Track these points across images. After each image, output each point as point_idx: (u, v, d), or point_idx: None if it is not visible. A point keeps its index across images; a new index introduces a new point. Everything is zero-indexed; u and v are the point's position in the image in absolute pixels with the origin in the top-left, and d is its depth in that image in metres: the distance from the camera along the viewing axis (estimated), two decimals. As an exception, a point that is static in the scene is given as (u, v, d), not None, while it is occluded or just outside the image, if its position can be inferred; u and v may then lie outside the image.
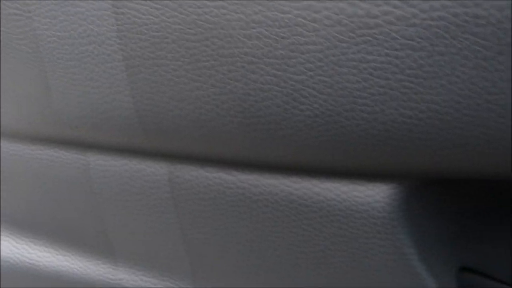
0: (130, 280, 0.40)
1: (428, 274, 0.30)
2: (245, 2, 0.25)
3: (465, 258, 0.32)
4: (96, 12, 0.29)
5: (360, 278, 0.31)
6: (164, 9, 0.27)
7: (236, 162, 0.31)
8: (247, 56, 0.26)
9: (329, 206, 0.30)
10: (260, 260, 0.34)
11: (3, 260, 0.45)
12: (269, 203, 0.31)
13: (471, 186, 0.30)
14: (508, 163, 0.24)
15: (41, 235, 0.43)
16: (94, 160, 0.37)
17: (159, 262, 0.38)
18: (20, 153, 0.40)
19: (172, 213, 0.35)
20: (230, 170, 0.32)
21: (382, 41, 0.23)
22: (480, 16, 0.21)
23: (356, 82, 0.24)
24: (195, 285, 0.37)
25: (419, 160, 0.26)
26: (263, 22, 0.25)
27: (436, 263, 0.30)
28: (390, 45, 0.23)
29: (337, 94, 0.25)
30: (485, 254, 0.32)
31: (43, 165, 0.40)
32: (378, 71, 0.24)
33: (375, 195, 0.29)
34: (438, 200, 0.30)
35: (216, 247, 0.35)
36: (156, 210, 0.36)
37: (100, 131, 0.34)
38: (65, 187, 0.39)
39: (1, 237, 0.45)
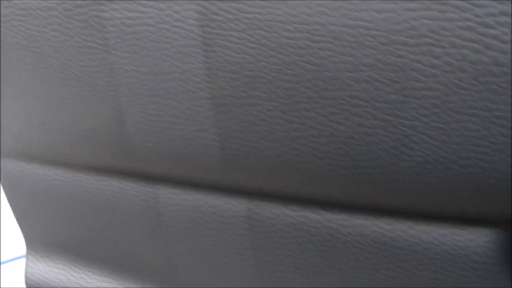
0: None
1: None
2: (354, 44, 0.24)
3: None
4: (183, 49, 0.28)
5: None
6: (261, 48, 0.26)
7: (325, 201, 0.30)
8: (353, 99, 0.25)
9: (425, 249, 0.29)
10: None
11: (59, 288, 0.44)
12: (358, 244, 0.30)
13: None
14: None
15: (100, 265, 0.42)
16: (164, 193, 0.36)
17: None
18: (82, 183, 0.39)
19: (248, 250, 0.34)
20: (316, 209, 0.31)
21: (508, 90, 0.22)
22: None
23: (475, 131, 0.23)
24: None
25: None
26: (374, 66, 0.24)
27: None
28: None
29: (453, 142, 0.24)
30: None
31: (107, 196, 0.38)
32: (502, 120, 0.23)
33: (477, 239, 0.27)
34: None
35: (295, 285, 0.34)
36: (230, 247, 0.35)
37: (176, 166, 0.33)
38: (130, 219, 0.38)
39: (57, 265, 0.44)
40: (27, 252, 0.46)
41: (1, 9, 0.33)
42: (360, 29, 0.23)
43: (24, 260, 1.28)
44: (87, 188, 0.39)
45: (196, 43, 0.28)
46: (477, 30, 0.22)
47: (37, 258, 0.45)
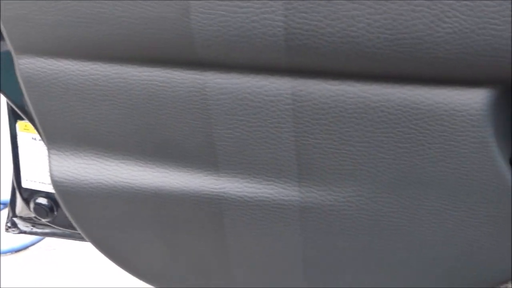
0: (234, 188, 0.45)
1: (501, 157, 0.40)
2: None
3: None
4: None
5: (451, 163, 0.40)
6: None
7: (362, 75, 0.38)
8: None
9: (437, 108, 0.38)
10: (367, 159, 0.41)
11: (90, 182, 0.47)
12: (385, 108, 0.39)
13: None
14: None
15: (134, 156, 0.46)
16: (212, 79, 0.41)
17: (265, 168, 0.43)
18: (124, 75, 0.42)
19: (289, 123, 0.41)
20: (352, 82, 0.38)
21: None
22: None
23: (492, 6, 0.32)
24: (300, 186, 0.44)
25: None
26: None
27: (504, 150, 0.41)
28: None
29: (475, 15, 0.33)
30: None
31: (149, 86, 0.42)
32: None
33: (475, 97, 0.37)
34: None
35: (327, 150, 0.41)
36: (273, 120, 0.41)
37: (235, 49, 0.38)
38: (174, 107, 0.42)
39: (87, 160, 0.47)
40: (50, 153, 0.47)
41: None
42: None
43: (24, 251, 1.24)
44: (128, 80, 0.42)
45: None
46: None
47: (62, 156, 0.47)
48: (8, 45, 0.44)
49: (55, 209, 0.63)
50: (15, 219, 0.68)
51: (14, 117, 0.61)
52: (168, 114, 0.43)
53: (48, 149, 0.48)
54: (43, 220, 0.65)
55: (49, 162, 0.48)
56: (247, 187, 0.45)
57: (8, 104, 0.58)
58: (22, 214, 0.68)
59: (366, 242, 0.45)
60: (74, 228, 0.54)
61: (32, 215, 0.65)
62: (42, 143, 0.60)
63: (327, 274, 0.47)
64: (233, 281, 0.49)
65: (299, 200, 0.44)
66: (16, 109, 0.54)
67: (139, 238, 0.49)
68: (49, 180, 0.50)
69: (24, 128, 0.62)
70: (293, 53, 0.37)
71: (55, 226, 0.65)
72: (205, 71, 0.41)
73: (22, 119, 0.59)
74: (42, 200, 0.62)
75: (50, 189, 0.62)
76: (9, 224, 0.68)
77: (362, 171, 0.42)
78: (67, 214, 0.50)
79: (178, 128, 0.44)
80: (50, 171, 0.49)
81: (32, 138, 0.62)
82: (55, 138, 0.47)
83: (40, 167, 0.62)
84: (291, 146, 0.42)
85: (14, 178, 0.64)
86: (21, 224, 0.68)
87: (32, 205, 0.64)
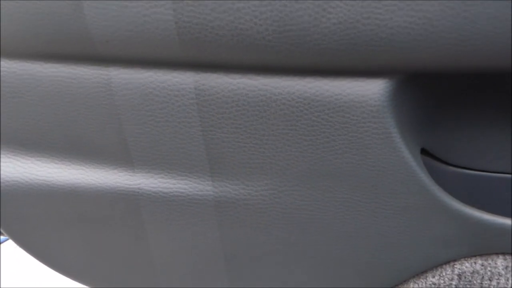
0: (149, 184, 0.44)
1: (406, 148, 0.39)
2: None
3: (427, 141, 0.43)
4: None
5: (357, 155, 0.40)
6: None
7: (260, 68, 0.37)
8: None
9: (336, 100, 0.38)
10: (275, 152, 0.41)
11: (5, 180, 0.47)
12: (286, 100, 0.38)
13: (440, 82, 0.40)
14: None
15: (49, 153, 0.46)
16: (117, 74, 0.40)
17: (178, 163, 0.43)
18: (29, 72, 0.42)
19: (195, 118, 0.41)
20: (252, 76, 0.38)
21: None
22: None
23: None
24: (213, 181, 0.43)
25: (407, 57, 0.35)
26: None
27: (411, 141, 0.40)
28: None
29: (359, 5, 0.32)
30: (442, 139, 0.43)
31: (56, 82, 0.42)
32: None
33: (373, 88, 0.37)
34: (417, 93, 0.39)
35: (235, 144, 0.41)
36: (179, 115, 0.41)
37: (131, 44, 0.37)
38: (82, 103, 0.42)
39: (4, 158, 0.46)
40: None
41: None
42: None
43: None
44: (35, 76, 0.42)
45: None
46: None
47: None
48: None
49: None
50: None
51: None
52: (78, 111, 0.43)
53: None
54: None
55: None
56: (162, 183, 0.45)
57: None
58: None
59: (284, 236, 0.45)
60: None
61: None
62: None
63: (248, 269, 0.47)
64: (157, 278, 0.48)
65: (213, 195, 0.44)
66: None
67: (61, 236, 0.49)
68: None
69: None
70: (187, 47, 0.37)
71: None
72: (108, 67, 0.41)
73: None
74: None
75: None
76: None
77: (272, 165, 0.42)
78: None
79: (89, 125, 0.44)
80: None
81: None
82: None
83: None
84: (199, 141, 0.42)
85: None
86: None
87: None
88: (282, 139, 0.41)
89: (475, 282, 0.44)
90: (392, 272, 0.45)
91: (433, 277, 0.45)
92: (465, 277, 0.44)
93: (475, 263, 0.44)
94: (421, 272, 0.45)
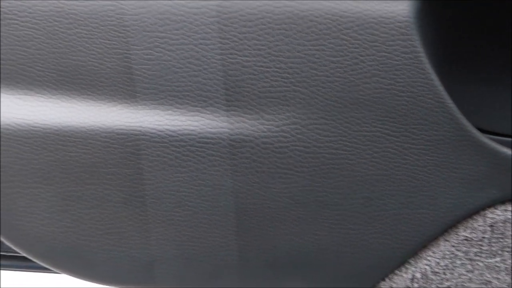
0: (153, 122, 0.39)
1: (433, 71, 0.38)
2: None
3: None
4: None
5: (386, 78, 0.38)
6: None
7: None
8: None
9: (365, 15, 0.37)
10: (299, 77, 0.38)
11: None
12: (314, 17, 0.37)
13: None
14: None
15: (34, 89, 0.39)
16: None
17: (190, 95, 0.38)
18: None
19: (215, 39, 0.38)
20: None
21: None
22: None
23: None
24: (229, 116, 0.39)
25: None
26: None
27: (436, 65, 0.40)
28: None
29: None
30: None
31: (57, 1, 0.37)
32: None
33: (401, 4, 0.37)
34: (442, 19, 0.40)
35: (256, 68, 0.38)
36: (197, 37, 0.37)
37: None
38: (85, 24, 0.37)
39: None
40: None
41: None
42: None
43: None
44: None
45: None
46: None
47: None
48: None
49: None
50: None
51: None
52: (79, 34, 0.38)
53: None
54: None
55: None
56: (169, 120, 0.39)
57: None
58: None
59: (304, 182, 0.40)
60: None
61: None
62: None
63: (261, 228, 0.41)
64: (151, 240, 0.40)
65: (228, 132, 0.39)
66: None
67: (33, 193, 0.40)
68: None
69: None
70: None
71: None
72: None
73: None
74: None
75: None
76: None
77: (296, 93, 0.39)
78: None
79: (90, 51, 0.38)
80: None
81: None
82: None
83: None
84: (217, 67, 0.39)
85: None
86: None
87: None
88: (308, 62, 0.38)
89: (507, 233, 0.41)
90: (421, 227, 0.41)
91: (465, 230, 0.42)
92: (497, 228, 0.41)
93: (505, 210, 0.41)
94: (450, 227, 0.42)
